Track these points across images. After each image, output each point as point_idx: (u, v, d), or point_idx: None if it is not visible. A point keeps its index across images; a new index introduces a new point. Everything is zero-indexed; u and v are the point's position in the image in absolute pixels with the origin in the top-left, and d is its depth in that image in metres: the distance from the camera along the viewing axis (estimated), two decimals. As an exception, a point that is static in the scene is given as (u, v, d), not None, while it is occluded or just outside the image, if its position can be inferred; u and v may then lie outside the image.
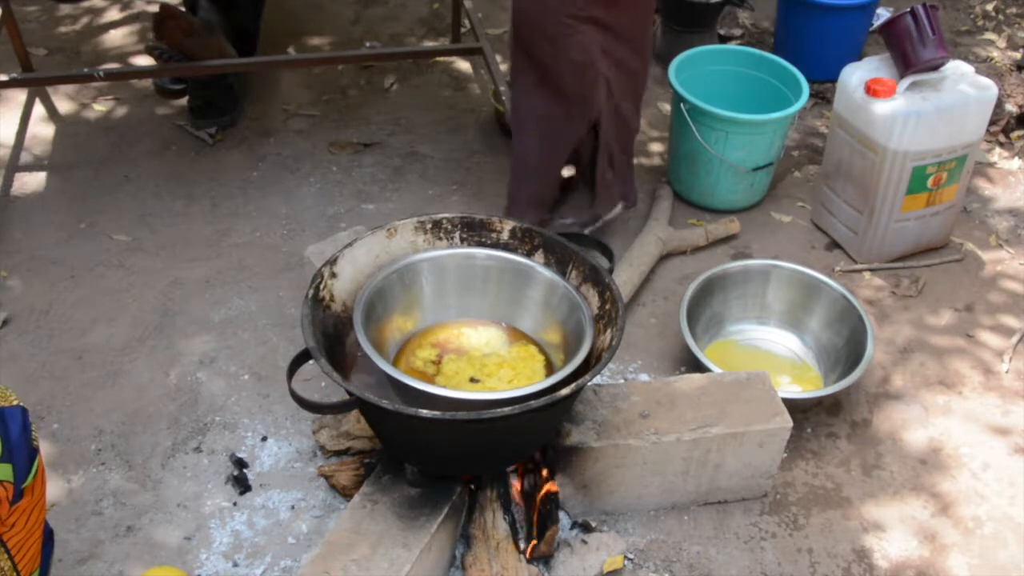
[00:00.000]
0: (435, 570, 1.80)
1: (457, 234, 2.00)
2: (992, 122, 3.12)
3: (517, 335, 1.99)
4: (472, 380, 1.87)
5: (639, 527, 1.99)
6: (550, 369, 1.92)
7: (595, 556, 1.86)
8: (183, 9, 2.92)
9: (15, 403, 1.43)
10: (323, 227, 2.72)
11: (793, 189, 2.97)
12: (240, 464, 2.06)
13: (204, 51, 2.75)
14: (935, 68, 2.46)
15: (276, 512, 1.99)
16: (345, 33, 3.62)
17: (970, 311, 2.58)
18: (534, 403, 1.62)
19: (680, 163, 2.81)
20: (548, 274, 1.95)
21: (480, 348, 1.96)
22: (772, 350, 2.39)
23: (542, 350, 1.96)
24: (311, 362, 1.70)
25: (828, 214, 2.75)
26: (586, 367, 1.76)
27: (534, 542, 1.83)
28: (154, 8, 3.70)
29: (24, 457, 1.41)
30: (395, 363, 1.89)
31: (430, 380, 1.85)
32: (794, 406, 2.09)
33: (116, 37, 3.53)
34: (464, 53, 3.41)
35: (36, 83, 3.15)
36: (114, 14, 3.67)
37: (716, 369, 2.14)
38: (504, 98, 2.82)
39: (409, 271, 1.95)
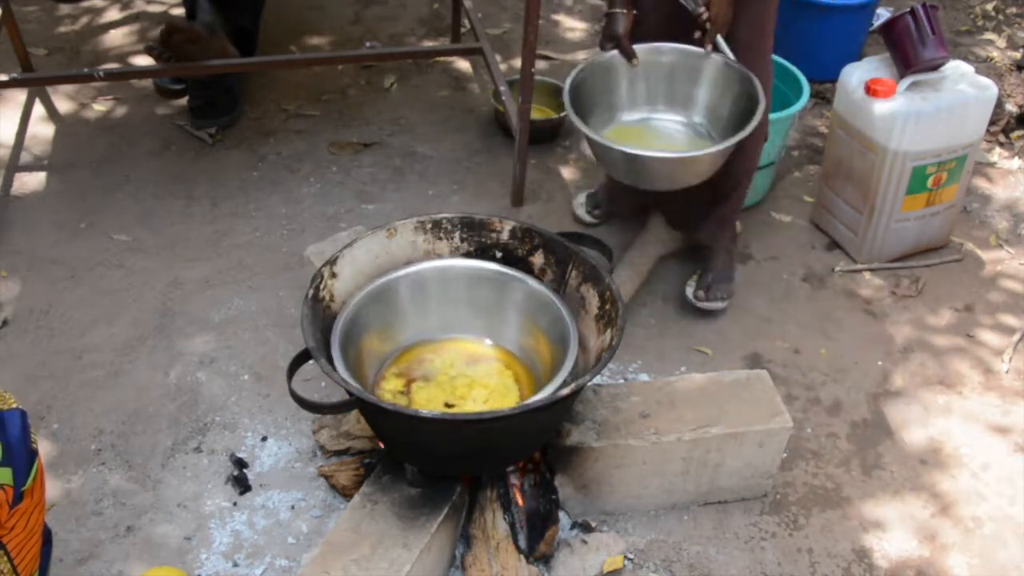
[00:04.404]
0: (435, 570, 1.80)
1: (457, 234, 2.00)
2: (992, 122, 3.12)
3: (482, 352, 1.99)
4: (447, 405, 1.87)
5: (639, 527, 1.99)
6: (520, 381, 1.92)
7: (595, 556, 1.86)
8: (183, 15, 2.92)
9: (14, 406, 1.43)
10: (323, 227, 2.72)
11: (793, 189, 2.97)
12: (240, 464, 2.06)
13: (208, 55, 2.75)
14: (935, 68, 2.45)
15: (276, 512, 1.99)
16: (345, 33, 3.62)
17: (970, 311, 2.58)
18: (534, 403, 1.62)
19: (680, 163, 2.80)
20: (532, 284, 1.95)
21: (446, 371, 1.95)
22: (668, 129, 2.32)
23: (513, 362, 1.96)
24: (311, 362, 1.70)
25: (828, 214, 2.75)
26: (574, 377, 1.75)
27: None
28: (154, 8, 3.71)
29: (23, 460, 1.41)
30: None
31: None
32: (691, 170, 2.08)
33: (116, 37, 3.53)
34: (464, 53, 3.41)
35: (36, 83, 3.15)
36: (114, 14, 3.67)
37: (611, 144, 2.06)
38: (504, 98, 2.82)
39: (389, 288, 1.94)
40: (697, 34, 2.13)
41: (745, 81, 2.13)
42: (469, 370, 1.95)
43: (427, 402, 1.87)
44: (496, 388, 1.90)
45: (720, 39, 2.11)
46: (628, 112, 2.32)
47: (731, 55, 2.12)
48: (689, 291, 2.50)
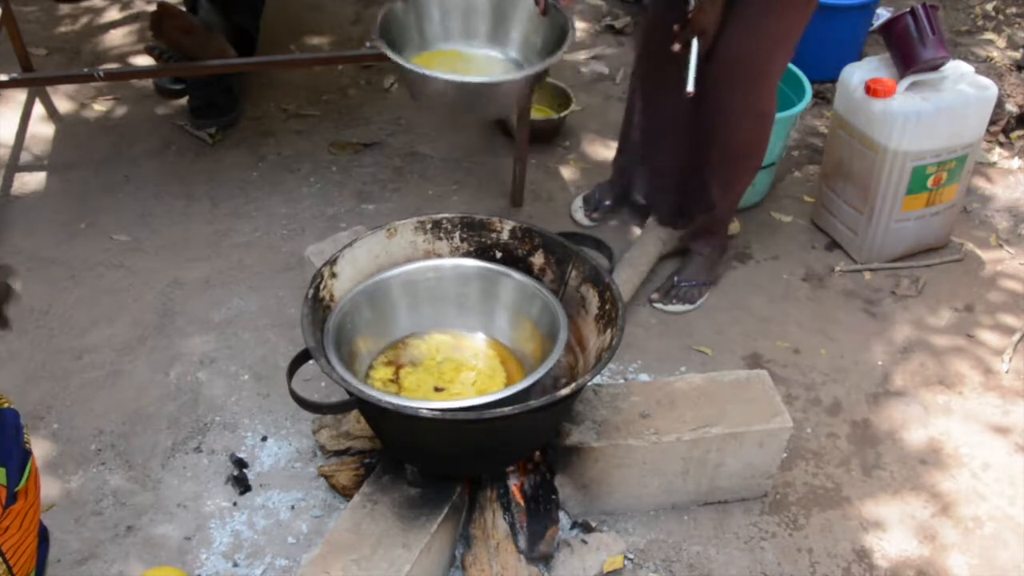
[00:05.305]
0: (435, 570, 1.80)
1: (457, 234, 2.00)
2: (992, 122, 3.12)
3: (470, 341, 2.00)
4: (436, 389, 1.87)
5: (639, 527, 1.99)
6: (506, 366, 1.93)
7: (595, 556, 1.86)
8: (182, 8, 2.91)
9: (7, 405, 1.42)
10: (323, 227, 2.72)
11: (793, 189, 2.97)
12: (240, 464, 2.06)
13: (204, 51, 2.75)
14: (935, 68, 2.46)
15: (276, 512, 1.99)
16: (345, 33, 3.62)
17: (970, 311, 2.58)
18: (534, 403, 1.62)
19: (679, 162, 2.81)
20: (518, 277, 1.95)
21: (433, 356, 1.96)
22: (480, 58, 2.39)
23: (500, 347, 1.97)
24: (311, 362, 1.70)
25: (828, 214, 2.75)
26: (572, 374, 1.76)
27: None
28: (154, 8, 3.70)
29: (17, 460, 1.40)
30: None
31: None
32: (505, 92, 2.18)
33: (116, 37, 3.53)
34: (464, 53, 3.41)
35: (36, 83, 3.15)
36: (114, 14, 3.67)
37: (416, 67, 2.12)
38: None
39: (378, 289, 1.94)
40: (676, 27, 2.12)
41: (559, 20, 2.23)
42: (456, 354, 1.96)
43: (416, 387, 1.87)
44: (483, 371, 1.91)
45: (695, 44, 2.09)
46: (442, 43, 2.40)
47: (694, 64, 2.11)
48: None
